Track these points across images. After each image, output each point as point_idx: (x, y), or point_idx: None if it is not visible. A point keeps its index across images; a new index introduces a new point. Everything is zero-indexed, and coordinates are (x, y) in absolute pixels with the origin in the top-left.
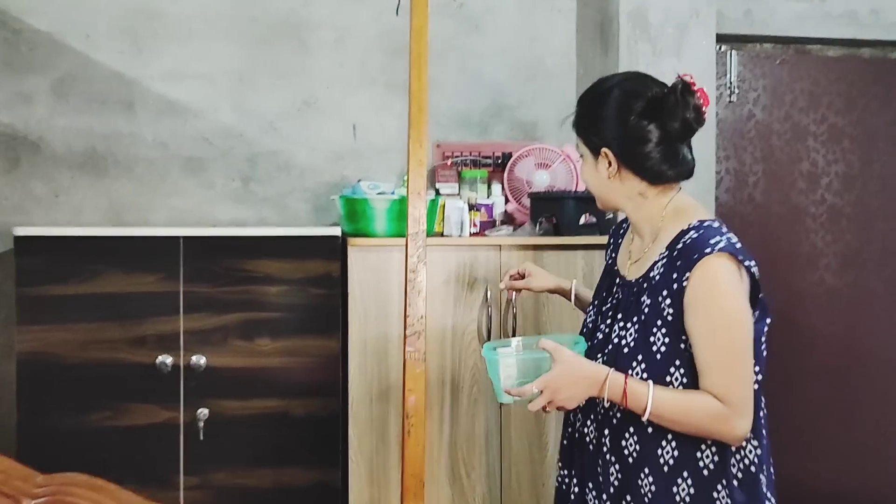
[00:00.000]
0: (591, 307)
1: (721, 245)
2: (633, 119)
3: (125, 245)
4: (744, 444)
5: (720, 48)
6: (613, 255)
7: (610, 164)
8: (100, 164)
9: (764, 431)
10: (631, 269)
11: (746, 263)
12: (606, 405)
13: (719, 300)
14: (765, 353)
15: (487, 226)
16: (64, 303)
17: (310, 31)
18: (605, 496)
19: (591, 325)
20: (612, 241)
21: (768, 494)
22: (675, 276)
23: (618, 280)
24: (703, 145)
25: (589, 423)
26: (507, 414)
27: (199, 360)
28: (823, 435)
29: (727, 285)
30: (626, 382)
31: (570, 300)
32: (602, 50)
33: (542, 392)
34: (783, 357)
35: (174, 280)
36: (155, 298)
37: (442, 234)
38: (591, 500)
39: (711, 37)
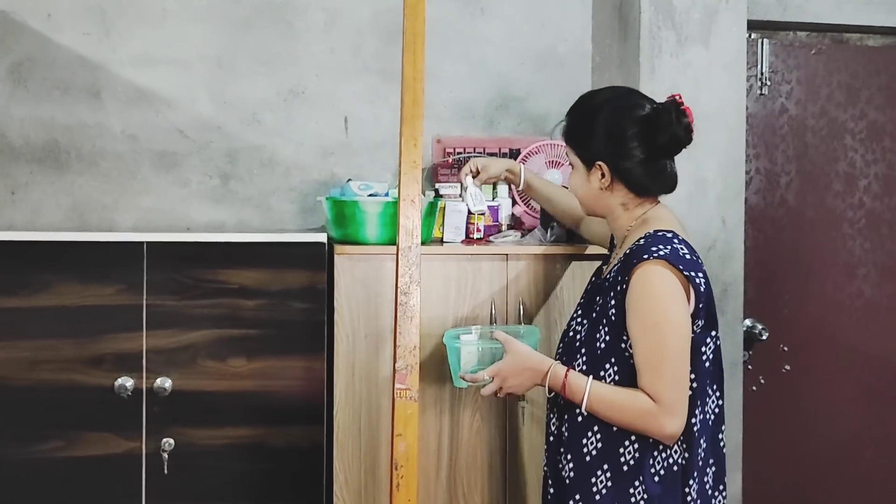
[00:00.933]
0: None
1: (661, 253)
2: (628, 135)
3: (80, 252)
4: (670, 444)
5: (751, 36)
6: (609, 254)
7: (603, 175)
8: (62, 158)
9: (702, 441)
10: (605, 272)
11: (687, 273)
12: (549, 395)
13: (651, 303)
14: (707, 365)
15: (493, 231)
16: (10, 317)
17: (297, 13)
18: (549, 482)
19: (572, 315)
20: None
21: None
22: (619, 278)
23: (594, 278)
24: (732, 143)
25: (552, 415)
26: (514, 439)
27: (164, 382)
28: (861, 464)
29: (659, 290)
30: (566, 375)
31: (518, 185)
32: (621, 37)
33: (493, 379)
34: (816, 377)
35: (136, 292)
36: (114, 312)
37: (442, 241)
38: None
39: (742, 23)
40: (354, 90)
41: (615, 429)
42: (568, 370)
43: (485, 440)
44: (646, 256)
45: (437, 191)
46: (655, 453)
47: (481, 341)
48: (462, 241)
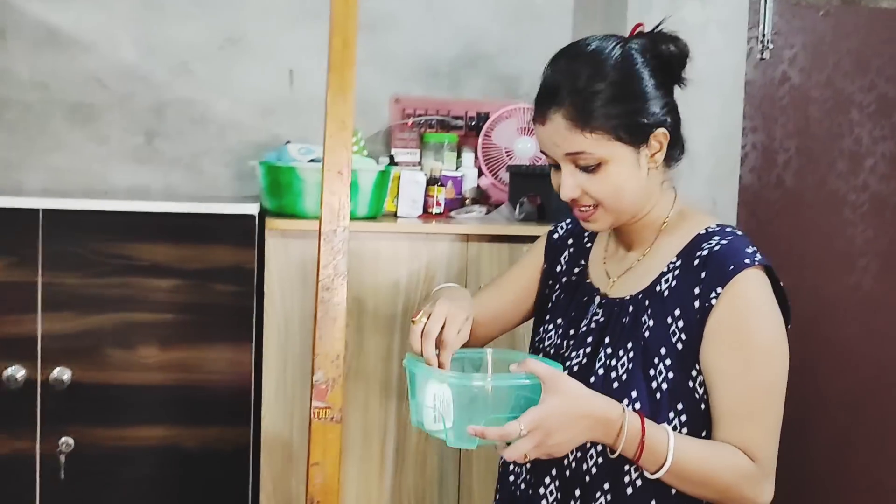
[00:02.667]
0: (548, 328)
1: (759, 256)
2: (659, 82)
3: None
4: None
5: None
6: (582, 262)
7: (660, 147)
8: None
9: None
10: (616, 286)
11: (783, 283)
12: (614, 456)
13: (762, 327)
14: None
15: (455, 204)
16: None
17: None
18: None
19: (552, 352)
20: (562, 242)
21: None
22: (696, 291)
23: (597, 298)
24: (728, 113)
25: (548, 480)
26: (468, 452)
27: (62, 373)
28: (854, 467)
29: (768, 309)
30: (643, 426)
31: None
32: None
33: (527, 432)
34: (808, 374)
35: (30, 266)
36: (3, 290)
37: (395, 216)
38: None
39: None
40: (301, 39)
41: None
42: (643, 418)
43: (435, 448)
44: (747, 261)
45: (392, 157)
46: None
47: (468, 376)
48: (419, 217)
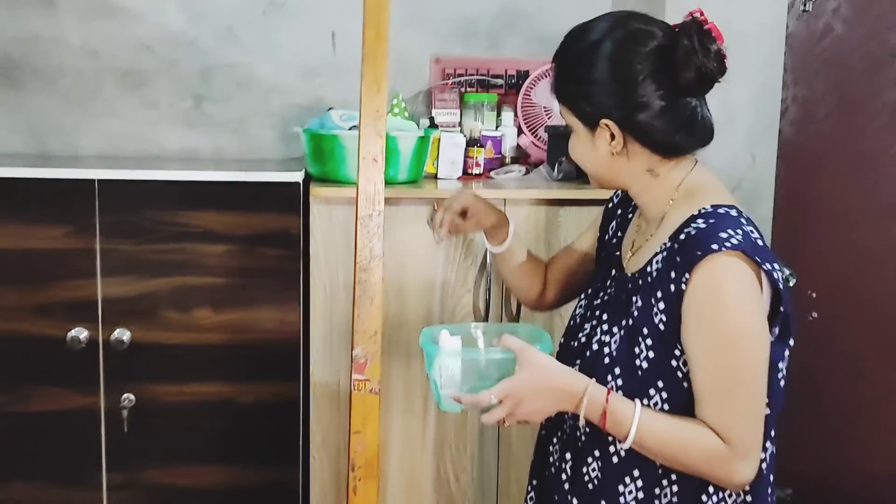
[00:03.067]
0: (581, 297)
1: (735, 241)
2: (639, 77)
3: (24, 189)
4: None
5: None
6: (620, 234)
7: (613, 137)
8: (14, 74)
9: (770, 477)
10: (631, 261)
11: (767, 267)
12: (582, 424)
13: (727, 313)
14: (782, 384)
15: (495, 164)
16: None
17: None
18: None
19: (578, 321)
20: (614, 211)
21: None
22: (673, 274)
23: (614, 271)
24: (768, 69)
25: (555, 440)
26: None
27: (122, 334)
28: (889, 420)
29: (737, 294)
30: (607, 399)
31: (496, 246)
32: None
33: (500, 402)
34: (844, 327)
35: (88, 234)
36: (64, 257)
37: (436, 177)
38: None
39: None
40: (342, 2)
41: (659, 470)
42: (609, 392)
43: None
44: (715, 247)
45: (432, 119)
46: (710, 492)
47: (469, 351)
48: (459, 178)
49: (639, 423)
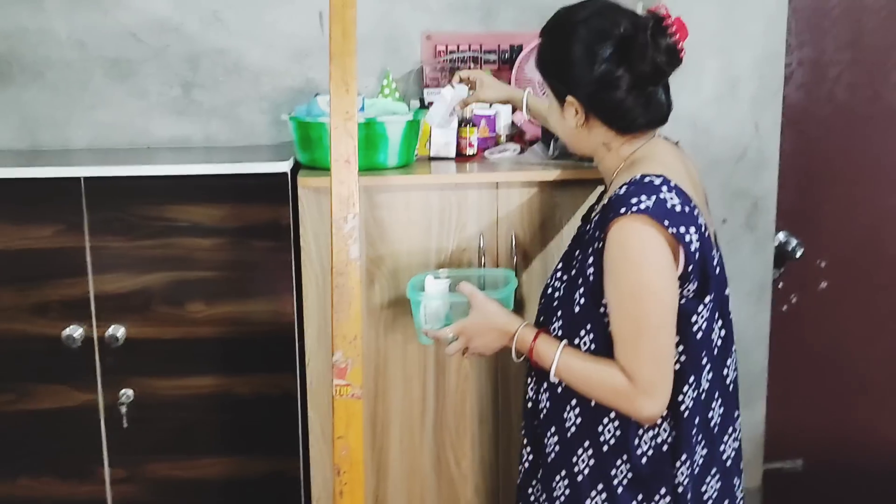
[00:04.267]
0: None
1: (643, 206)
2: (601, 65)
3: (12, 188)
4: (657, 423)
5: None
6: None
7: (577, 112)
8: (3, 69)
9: (695, 420)
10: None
11: (674, 230)
12: (514, 358)
13: (628, 268)
14: (699, 336)
15: (490, 143)
16: None
17: None
18: (526, 449)
19: (561, 264)
20: None
21: (686, 486)
22: (597, 233)
23: (580, 225)
24: (771, 32)
25: (530, 379)
26: (507, 390)
27: (117, 330)
28: None
29: (638, 252)
30: (534, 339)
31: (522, 110)
32: None
33: (454, 336)
34: (856, 294)
35: (77, 232)
36: (55, 256)
37: (430, 158)
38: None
39: None
40: None
41: (593, 403)
42: (539, 333)
43: (474, 387)
44: (623, 210)
45: (422, 100)
46: (641, 431)
47: (447, 295)
48: (455, 159)
49: (558, 360)
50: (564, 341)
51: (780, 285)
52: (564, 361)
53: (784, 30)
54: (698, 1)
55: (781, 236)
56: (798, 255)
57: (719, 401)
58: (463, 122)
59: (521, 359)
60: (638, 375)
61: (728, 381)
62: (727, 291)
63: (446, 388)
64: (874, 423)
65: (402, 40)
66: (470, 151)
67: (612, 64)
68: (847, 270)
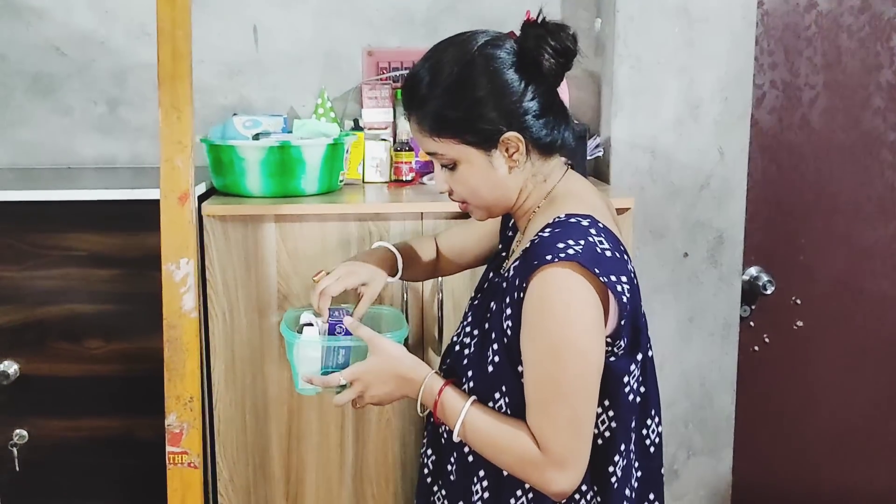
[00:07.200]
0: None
1: (571, 252)
2: (514, 83)
3: None
4: (577, 497)
5: None
6: (511, 234)
7: (517, 149)
8: None
9: (625, 491)
10: (508, 265)
11: (606, 279)
12: (419, 411)
13: (550, 322)
14: (631, 398)
15: (430, 167)
16: None
17: None
18: None
19: (462, 320)
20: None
21: None
22: (517, 282)
23: (492, 274)
24: (737, 51)
25: (428, 444)
26: None
27: (10, 367)
28: (886, 437)
29: (563, 304)
30: (440, 392)
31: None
32: None
33: (347, 383)
34: (834, 334)
35: None
36: None
37: (363, 181)
38: None
39: None
40: None
41: (505, 473)
42: (446, 385)
43: (397, 433)
44: (549, 257)
45: (356, 120)
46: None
47: (328, 339)
48: (389, 184)
49: (464, 419)
50: (474, 397)
51: (752, 324)
52: (472, 418)
53: (751, 49)
54: (656, 16)
55: (753, 271)
56: (769, 291)
57: (636, 464)
58: (399, 146)
59: (426, 413)
60: (550, 444)
61: (648, 443)
62: (649, 346)
63: (367, 434)
64: (850, 475)
65: (342, 57)
66: (408, 177)
67: (522, 75)
68: (824, 309)
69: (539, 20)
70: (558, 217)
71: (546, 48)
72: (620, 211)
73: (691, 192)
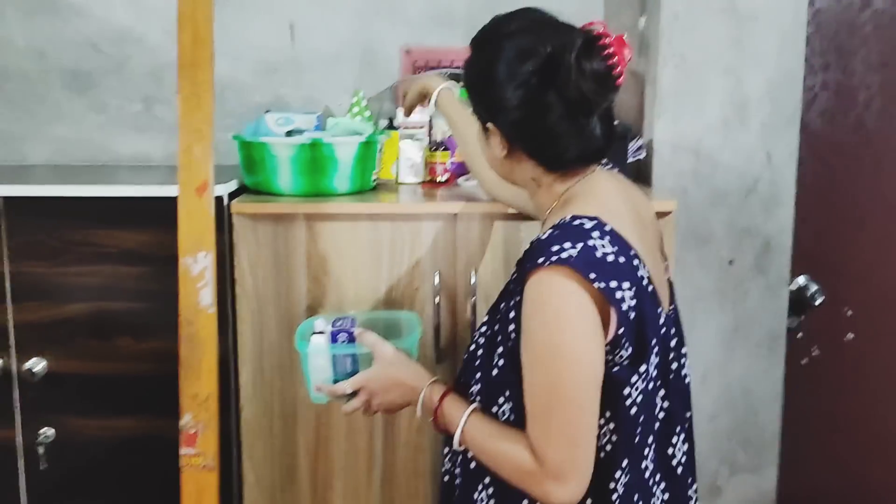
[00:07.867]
0: None
1: (564, 255)
2: (524, 89)
3: None
4: None
5: None
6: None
7: (497, 141)
8: None
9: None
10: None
11: (601, 285)
12: (419, 417)
13: (541, 329)
14: (633, 411)
15: (465, 169)
16: None
17: None
18: None
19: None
20: None
21: None
22: (517, 285)
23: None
24: (787, 51)
25: (447, 449)
26: None
27: (38, 364)
28: None
29: (553, 311)
30: (441, 401)
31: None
32: None
33: (352, 391)
34: (890, 347)
35: None
36: None
37: (398, 182)
38: None
39: None
40: None
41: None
42: (446, 393)
43: (428, 441)
44: (541, 260)
45: (391, 120)
46: None
47: (341, 346)
48: (423, 184)
49: (463, 427)
50: (475, 405)
51: (800, 335)
52: (471, 428)
53: (802, 49)
54: (703, 14)
55: (802, 280)
56: (818, 301)
57: (662, 485)
58: (434, 146)
59: (431, 420)
60: (546, 456)
61: (675, 462)
62: (684, 351)
63: (396, 440)
64: None
65: (378, 55)
66: (442, 178)
67: (536, 89)
68: (878, 321)
69: (581, 47)
70: (564, 219)
71: (568, 85)
72: (661, 215)
73: (737, 196)
